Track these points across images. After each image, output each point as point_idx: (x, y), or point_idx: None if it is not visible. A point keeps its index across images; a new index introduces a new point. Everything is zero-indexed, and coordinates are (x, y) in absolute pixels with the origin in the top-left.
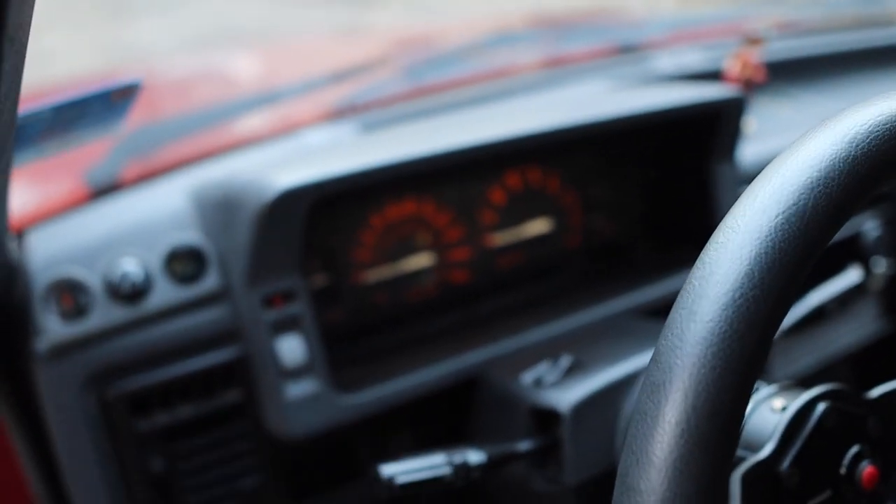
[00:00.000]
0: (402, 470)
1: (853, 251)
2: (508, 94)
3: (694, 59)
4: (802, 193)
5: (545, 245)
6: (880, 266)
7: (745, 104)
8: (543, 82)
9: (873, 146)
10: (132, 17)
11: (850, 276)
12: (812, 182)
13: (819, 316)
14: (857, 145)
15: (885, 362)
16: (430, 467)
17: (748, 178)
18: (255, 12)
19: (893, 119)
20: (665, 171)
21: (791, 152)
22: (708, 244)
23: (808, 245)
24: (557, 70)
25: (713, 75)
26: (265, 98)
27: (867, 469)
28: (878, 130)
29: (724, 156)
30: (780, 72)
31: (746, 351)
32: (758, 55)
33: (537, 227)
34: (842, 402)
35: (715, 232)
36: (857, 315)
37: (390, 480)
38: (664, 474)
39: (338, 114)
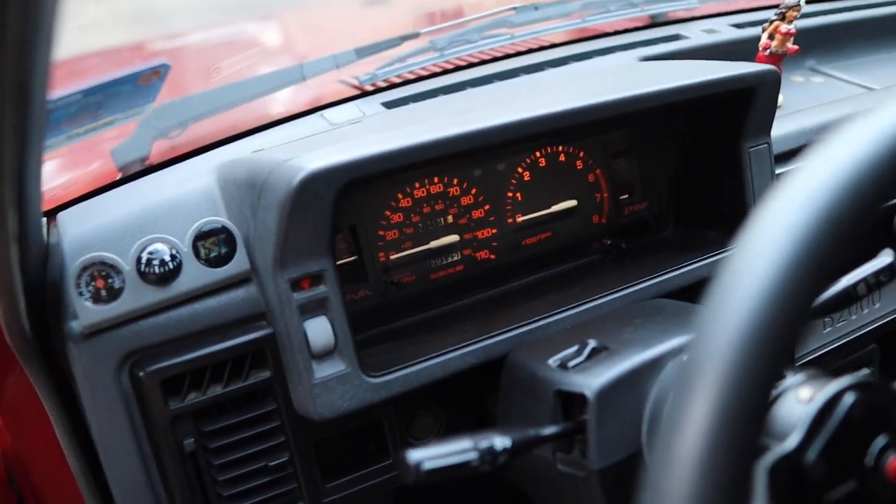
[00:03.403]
0: (428, 456)
1: (885, 234)
2: (536, 69)
3: (726, 30)
4: (840, 189)
5: (572, 224)
6: None
7: (779, 79)
8: (570, 57)
9: None
10: None
11: (883, 259)
12: (849, 178)
13: (849, 299)
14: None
15: None
16: (457, 452)
17: (782, 154)
18: None
19: None
20: (696, 149)
21: (830, 144)
22: (744, 234)
23: (841, 237)
24: (586, 43)
25: (746, 47)
26: (290, 74)
27: (894, 460)
28: None
29: (757, 135)
30: (805, 45)
31: (780, 341)
32: (791, 27)
33: (564, 205)
34: (869, 393)
35: (751, 222)
36: (889, 293)
37: (417, 466)
38: (690, 460)
39: (363, 90)
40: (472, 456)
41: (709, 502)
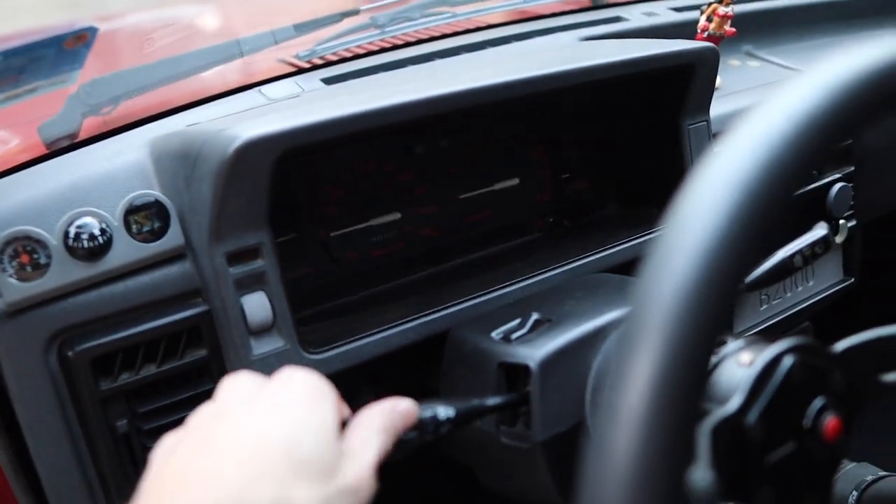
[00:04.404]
0: None
1: (819, 209)
2: (477, 48)
3: (665, 13)
4: (768, 151)
5: (514, 201)
6: (843, 223)
7: (718, 58)
8: (512, 36)
9: (831, 110)
10: None
11: (817, 232)
12: (778, 139)
13: (786, 271)
14: (816, 107)
15: (848, 316)
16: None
17: (717, 133)
18: None
19: (847, 79)
20: (637, 127)
21: (758, 109)
22: (678, 201)
23: (773, 201)
24: (527, 24)
25: (685, 30)
26: (227, 50)
27: (831, 421)
28: (836, 93)
29: (696, 112)
30: (741, 29)
31: (715, 306)
32: (729, 10)
33: (506, 183)
34: (807, 355)
35: (684, 189)
36: (822, 271)
37: None
38: (632, 424)
39: (302, 67)
40: (428, 426)
41: (652, 464)
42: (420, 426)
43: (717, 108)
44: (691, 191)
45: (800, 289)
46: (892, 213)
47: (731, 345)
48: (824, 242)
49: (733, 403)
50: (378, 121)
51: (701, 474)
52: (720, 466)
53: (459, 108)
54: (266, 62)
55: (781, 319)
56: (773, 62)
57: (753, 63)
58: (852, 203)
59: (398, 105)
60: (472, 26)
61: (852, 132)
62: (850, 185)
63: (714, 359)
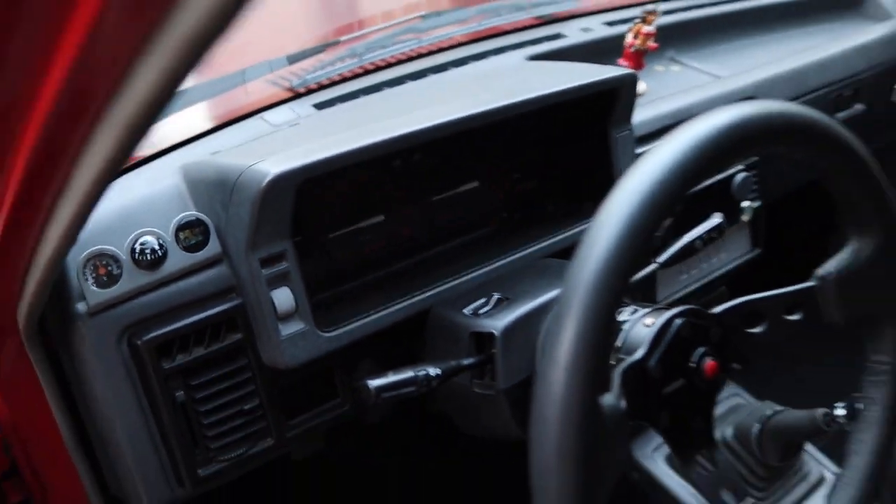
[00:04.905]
0: (382, 382)
1: (726, 194)
2: (441, 69)
3: (600, 28)
4: (668, 174)
5: (474, 201)
6: (749, 205)
7: (636, 80)
8: (471, 57)
9: (716, 142)
10: None
11: (713, 220)
12: (674, 163)
13: (690, 252)
14: (707, 140)
15: (753, 283)
16: (402, 379)
17: (643, 136)
18: None
19: (728, 126)
20: (574, 136)
21: (666, 141)
22: (602, 206)
23: (664, 206)
24: (482, 43)
25: (616, 43)
26: (233, 79)
27: (709, 364)
28: (718, 132)
29: (621, 123)
30: (666, 38)
31: (621, 274)
32: (651, 28)
33: (468, 186)
34: (692, 317)
35: (607, 198)
36: (733, 244)
37: (375, 390)
38: (564, 366)
39: (296, 92)
40: (415, 381)
41: (579, 392)
42: (416, 382)
43: (643, 113)
44: (607, 204)
45: (714, 260)
46: (790, 194)
47: (639, 313)
48: (718, 229)
49: (639, 353)
50: (376, 151)
51: (613, 401)
52: (629, 397)
53: (437, 136)
54: (263, 89)
55: (700, 286)
56: (692, 66)
57: (675, 68)
58: (755, 187)
59: (392, 138)
60: (435, 48)
61: (706, 175)
62: (754, 173)
63: (627, 323)
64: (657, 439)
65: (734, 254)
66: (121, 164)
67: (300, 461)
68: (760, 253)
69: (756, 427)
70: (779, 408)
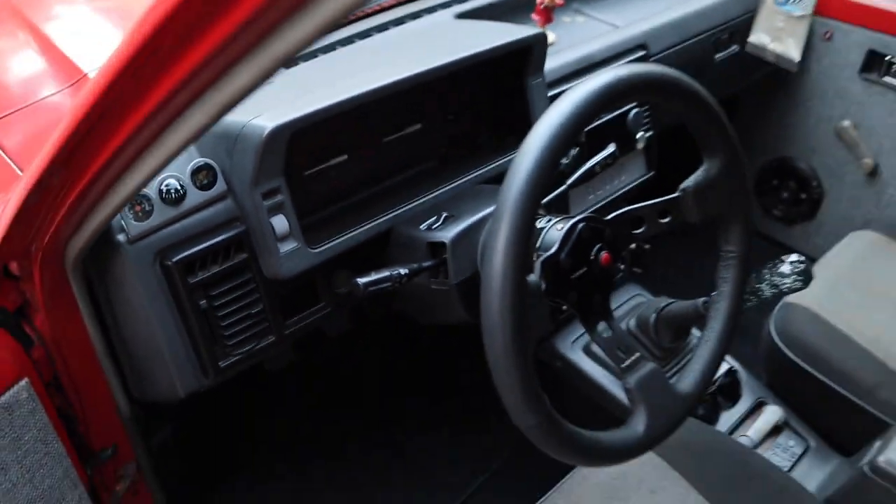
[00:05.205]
0: (367, 279)
1: (622, 125)
2: (383, 29)
3: None
4: (566, 119)
5: (419, 140)
6: (642, 135)
7: (545, 38)
8: (408, 16)
9: (599, 95)
10: None
11: (608, 150)
12: (571, 111)
13: (591, 175)
14: (602, 92)
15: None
16: (382, 276)
17: (553, 81)
18: None
19: (614, 84)
20: (497, 84)
21: (566, 95)
22: (522, 143)
23: (565, 142)
24: (416, 3)
25: (528, 1)
26: None
27: (604, 255)
28: (611, 88)
29: (535, 72)
30: None
31: (537, 193)
32: None
33: (413, 127)
34: (591, 222)
35: (526, 137)
36: (631, 167)
37: (362, 284)
38: (500, 259)
39: None
40: (390, 278)
41: (511, 273)
42: (391, 279)
43: (553, 61)
44: (525, 142)
45: (615, 182)
46: (676, 126)
47: (554, 220)
48: (612, 156)
49: (553, 249)
50: (348, 105)
51: (535, 279)
52: (547, 280)
53: (391, 92)
54: None
55: (604, 204)
56: (594, 17)
57: (580, 19)
58: (647, 121)
59: (361, 94)
60: (378, 9)
61: (595, 118)
62: (645, 109)
63: (544, 229)
64: (574, 335)
65: (633, 176)
66: (206, 130)
67: (275, 372)
68: (654, 174)
69: (653, 317)
70: (670, 300)
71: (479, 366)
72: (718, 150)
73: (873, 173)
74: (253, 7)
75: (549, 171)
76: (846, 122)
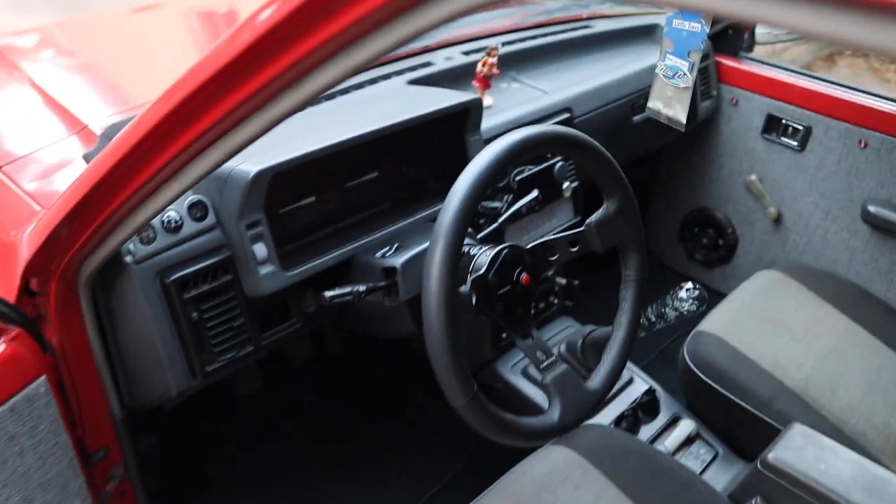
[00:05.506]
0: (332, 294)
1: (550, 176)
2: (346, 93)
3: (459, 57)
4: (483, 169)
5: (376, 185)
6: (568, 185)
7: (481, 103)
8: (367, 81)
9: (508, 151)
10: None
11: (531, 196)
12: (487, 163)
13: (518, 216)
14: (511, 148)
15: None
16: (344, 292)
17: (489, 138)
18: None
19: (521, 142)
20: (442, 139)
21: (484, 150)
22: (452, 187)
23: (483, 186)
24: (374, 70)
25: (470, 69)
26: None
27: (524, 276)
28: (518, 144)
29: (473, 130)
30: (510, 61)
31: (463, 222)
32: (494, 60)
33: (371, 175)
34: (514, 249)
35: (455, 182)
36: (560, 212)
37: (328, 298)
38: (435, 271)
39: None
40: (351, 293)
41: (444, 284)
42: (352, 293)
43: (490, 121)
44: (452, 189)
45: (547, 224)
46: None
47: (484, 248)
48: (537, 202)
49: (482, 270)
50: (319, 154)
51: (466, 290)
52: (477, 295)
53: (354, 144)
54: None
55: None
56: (527, 84)
57: (515, 85)
58: (571, 172)
59: (331, 144)
60: None
61: (509, 168)
62: (570, 162)
63: (476, 256)
64: (513, 360)
65: (562, 220)
66: (236, 153)
67: (245, 395)
68: (580, 219)
69: (580, 342)
70: (594, 327)
71: (427, 389)
72: (614, 192)
73: (777, 221)
74: (258, 85)
75: (471, 207)
76: (753, 176)
